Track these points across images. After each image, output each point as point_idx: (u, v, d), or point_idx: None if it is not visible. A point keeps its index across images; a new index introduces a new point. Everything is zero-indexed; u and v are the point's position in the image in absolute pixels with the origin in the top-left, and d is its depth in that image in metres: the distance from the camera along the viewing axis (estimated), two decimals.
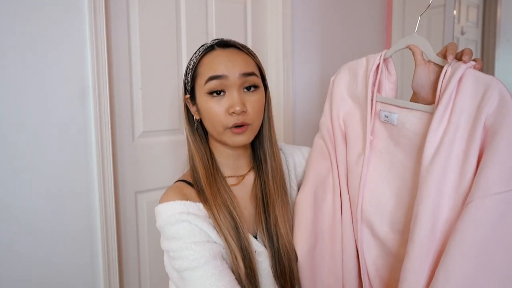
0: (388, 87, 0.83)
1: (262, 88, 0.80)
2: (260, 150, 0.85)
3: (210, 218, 0.76)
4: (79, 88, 1.11)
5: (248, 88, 0.77)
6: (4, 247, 1.03)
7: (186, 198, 0.77)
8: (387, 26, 2.10)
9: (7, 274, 1.04)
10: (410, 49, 0.77)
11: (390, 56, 0.82)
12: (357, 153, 0.81)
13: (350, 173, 0.82)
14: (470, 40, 1.85)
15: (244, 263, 0.74)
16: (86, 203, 1.15)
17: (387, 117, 0.77)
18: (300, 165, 0.92)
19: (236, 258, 0.74)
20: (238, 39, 1.51)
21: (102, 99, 1.14)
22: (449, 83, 0.65)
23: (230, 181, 0.84)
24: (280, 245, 0.79)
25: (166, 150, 1.36)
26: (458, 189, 0.63)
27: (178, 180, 0.85)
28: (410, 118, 0.73)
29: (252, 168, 0.87)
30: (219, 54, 0.77)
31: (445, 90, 0.66)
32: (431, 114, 0.69)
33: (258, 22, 1.59)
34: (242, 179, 0.85)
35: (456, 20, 1.82)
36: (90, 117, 1.13)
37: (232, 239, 0.75)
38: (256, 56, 0.82)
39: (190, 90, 0.81)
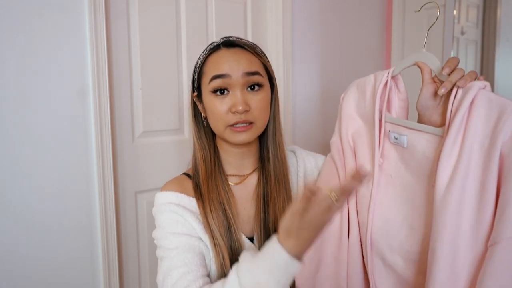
0: (398, 105, 0.78)
1: (267, 87, 0.79)
2: (264, 148, 0.85)
3: (200, 214, 0.77)
4: (79, 88, 1.11)
5: (252, 88, 0.77)
6: (4, 247, 1.03)
7: (182, 191, 0.79)
8: (387, 26, 2.10)
9: (7, 274, 1.04)
10: (418, 66, 0.73)
11: (399, 73, 0.77)
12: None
13: (359, 196, 0.78)
14: (470, 40, 1.85)
15: (232, 263, 0.74)
16: (86, 203, 1.15)
17: (396, 139, 0.73)
18: (311, 173, 0.89)
19: (223, 257, 0.74)
20: None
21: (102, 99, 1.14)
22: (461, 105, 0.61)
23: (232, 180, 0.84)
24: None
25: (166, 150, 1.36)
26: (477, 225, 0.58)
27: (184, 173, 0.86)
28: (420, 140, 0.69)
29: (257, 168, 0.86)
30: (224, 54, 0.77)
31: (456, 112, 0.61)
32: (441, 137, 0.65)
33: (258, 22, 1.59)
34: (245, 179, 0.85)
35: (456, 20, 1.82)
36: (90, 117, 1.13)
37: (222, 237, 0.75)
38: (264, 56, 0.81)
39: (197, 88, 0.82)
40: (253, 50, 0.79)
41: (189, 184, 0.82)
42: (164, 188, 0.81)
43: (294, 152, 0.92)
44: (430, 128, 0.68)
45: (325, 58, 1.79)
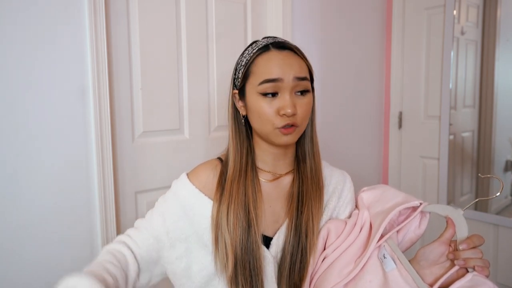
0: (407, 236, 0.78)
1: (311, 92, 0.81)
2: (300, 150, 0.86)
3: (212, 211, 0.78)
4: (79, 88, 1.11)
5: (301, 92, 0.77)
6: (3, 247, 1.03)
7: (203, 187, 0.81)
8: (387, 26, 2.10)
9: (7, 275, 1.04)
10: (447, 221, 0.72)
11: (429, 213, 0.77)
12: (347, 270, 0.77)
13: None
14: (470, 40, 1.85)
15: (241, 263, 0.74)
16: (86, 203, 1.15)
17: (385, 257, 0.73)
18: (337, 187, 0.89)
19: (227, 258, 0.75)
20: (238, 39, 1.52)
21: (102, 99, 1.14)
22: None
23: (265, 176, 0.84)
24: (308, 243, 0.79)
25: (166, 150, 1.36)
26: None
27: (219, 157, 0.88)
28: (401, 280, 0.70)
29: (291, 170, 0.87)
30: (275, 56, 0.77)
31: None
32: None
33: (258, 22, 1.59)
34: (279, 178, 0.85)
35: (456, 20, 1.82)
36: (90, 117, 1.13)
37: (233, 240, 0.75)
38: (307, 59, 0.82)
39: (240, 86, 0.81)
40: (301, 53, 0.79)
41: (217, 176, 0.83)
42: (191, 176, 0.83)
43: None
44: (419, 281, 0.69)
45: (325, 58, 1.79)
